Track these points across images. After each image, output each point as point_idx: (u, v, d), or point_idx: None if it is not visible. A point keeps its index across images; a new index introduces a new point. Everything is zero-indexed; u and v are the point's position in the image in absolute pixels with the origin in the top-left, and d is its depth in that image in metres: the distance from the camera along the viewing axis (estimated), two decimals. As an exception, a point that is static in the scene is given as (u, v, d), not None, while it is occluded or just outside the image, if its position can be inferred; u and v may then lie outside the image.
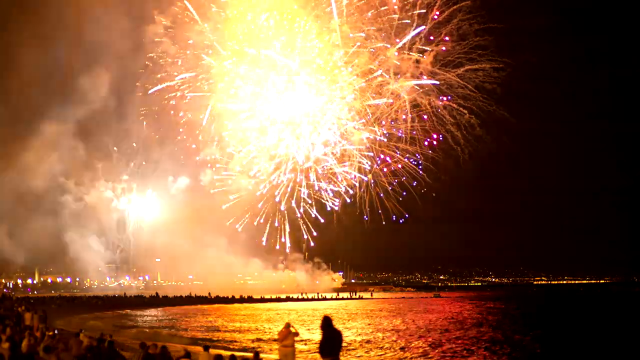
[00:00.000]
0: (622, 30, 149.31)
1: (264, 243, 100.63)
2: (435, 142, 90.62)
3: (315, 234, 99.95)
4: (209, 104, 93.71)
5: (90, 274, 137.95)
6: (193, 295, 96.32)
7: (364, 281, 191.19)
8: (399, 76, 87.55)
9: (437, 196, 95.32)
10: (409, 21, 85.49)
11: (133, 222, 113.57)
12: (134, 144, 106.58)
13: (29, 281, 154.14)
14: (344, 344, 14.79)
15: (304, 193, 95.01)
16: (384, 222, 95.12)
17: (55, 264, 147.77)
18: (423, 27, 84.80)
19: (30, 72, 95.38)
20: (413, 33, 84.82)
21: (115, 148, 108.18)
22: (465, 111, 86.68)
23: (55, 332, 25.22)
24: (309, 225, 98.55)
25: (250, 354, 18.61)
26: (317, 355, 12.65)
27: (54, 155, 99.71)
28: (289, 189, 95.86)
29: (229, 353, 17.87)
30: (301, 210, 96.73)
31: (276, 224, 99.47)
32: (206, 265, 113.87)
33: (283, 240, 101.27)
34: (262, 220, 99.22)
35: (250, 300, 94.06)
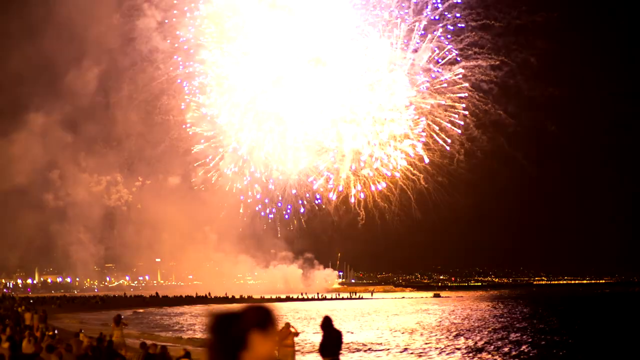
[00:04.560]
0: (624, 28, 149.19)
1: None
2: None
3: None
4: (203, 102, 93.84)
5: (88, 274, 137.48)
6: (194, 295, 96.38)
7: (364, 281, 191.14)
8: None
9: (436, 196, 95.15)
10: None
11: (121, 218, 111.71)
12: (122, 139, 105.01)
13: (29, 281, 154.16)
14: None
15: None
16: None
17: (46, 261, 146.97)
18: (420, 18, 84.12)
19: (17, 65, 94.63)
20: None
21: (102, 142, 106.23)
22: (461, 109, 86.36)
23: (55, 332, 25.22)
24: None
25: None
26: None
27: (39, 148, 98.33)
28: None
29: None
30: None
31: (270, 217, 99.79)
32: (195, 262, 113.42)
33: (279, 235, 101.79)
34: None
35: (251, 300, 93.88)
